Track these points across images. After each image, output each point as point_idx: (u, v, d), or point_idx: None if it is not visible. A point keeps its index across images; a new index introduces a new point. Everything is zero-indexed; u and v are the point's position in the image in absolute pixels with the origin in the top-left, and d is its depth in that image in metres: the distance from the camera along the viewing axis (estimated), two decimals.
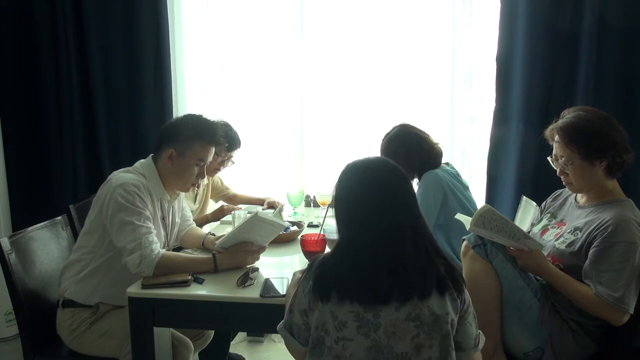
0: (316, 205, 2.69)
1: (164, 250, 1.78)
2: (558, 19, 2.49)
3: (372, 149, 2.44)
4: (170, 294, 1.61)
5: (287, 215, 2.60)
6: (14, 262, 1.82)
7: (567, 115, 1.67)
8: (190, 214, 2.18)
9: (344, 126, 3.17)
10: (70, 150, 2.90)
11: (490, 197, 2.71)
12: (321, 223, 1.88)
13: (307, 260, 1.76)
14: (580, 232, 1.62)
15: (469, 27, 2.86)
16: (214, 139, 1.89)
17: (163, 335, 1.73)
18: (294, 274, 1.52)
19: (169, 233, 1.98)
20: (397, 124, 2.32)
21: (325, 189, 2.51)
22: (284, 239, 2.10)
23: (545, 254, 1.68)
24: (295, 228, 2.24)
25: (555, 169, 1.70)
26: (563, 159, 1.64)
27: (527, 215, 2.30)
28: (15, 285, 1.80)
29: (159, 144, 1.88)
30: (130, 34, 2.83)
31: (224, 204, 2.69)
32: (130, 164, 1.92)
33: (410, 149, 2.21)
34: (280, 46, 3.08)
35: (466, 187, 2.29)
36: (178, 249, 2.06)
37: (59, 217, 2.14)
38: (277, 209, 2.46)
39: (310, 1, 2.97)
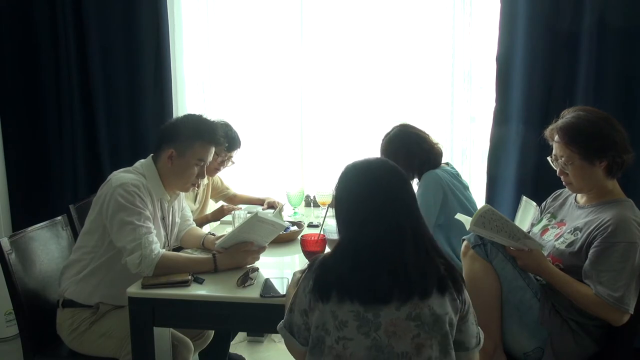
0: (316, 205, 2.69)
1: (164, 250, 1.78)
2: (558, 19, 2.49)
3: (372, 149, 2.44)
4: (170, 294, 1.61)
5: (287, 215, 2.60)
6: (14, 262, 1.82)
7: (567, 115, 1.67)
8: (190, 214, 2.18)
9: (343, 126, 3.17)
10: (70, 150, 2.91)
11: (490, 197, 2.71)
12: (321, 223, 1.89)
13: (307, 260, 1.76)
14: (580, 232, 1.62)
15: (469, 27, 2.86)
16: (214, 139, 1.89)
17: (163, 335, 1.73)
18: (294, 274, 1.52)
19: (169, 233, 1.98)
20: (397, 124, 2.32)
21: (325, 189, 2.51)
22: (284, 239, 2.10)
23: (545, 254, 1.68)
24: (295, 228, 2.24)
25: (555, 169, 1.70)
26: (563, 159, 1.64)
27: (527, 215, 2.30)
28: (15, 285, 1.80)
29: (159, 144, 1.88)
30: (130, 34, 2.83)
31: (224, 204, 2.69)
32: (130, 164, 1.92)
33: (410, 149, 2.21)
34: (280, 46, 3.08)
35: (466, 187, 2.29)
36: (178, 249, 2.06)
37: (59, 217, 2.14)
38: (277, 209, 2.46)
39: (310, 1, 2.97)
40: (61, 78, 2.86)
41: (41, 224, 2.03)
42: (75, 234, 2.17)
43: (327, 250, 1.77)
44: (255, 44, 3.11)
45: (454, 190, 2.16)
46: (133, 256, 1.68)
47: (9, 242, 1.83)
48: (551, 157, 1.71)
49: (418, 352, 1.14)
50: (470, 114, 2.95)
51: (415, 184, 2.23)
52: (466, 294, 1.21)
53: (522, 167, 2.60)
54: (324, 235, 1.81)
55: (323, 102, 3.12)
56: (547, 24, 2.50)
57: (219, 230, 2.42)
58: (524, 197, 2.42)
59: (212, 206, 2.72)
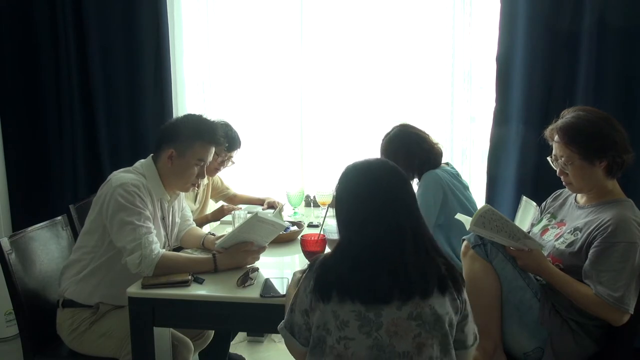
0: (316, 205, 2.69)
1: (164, 250, 1.78)
2: (558, 19, 2.49)
3: (372, 149, 2.44)
4: (170, 294, 1.61)
5: (287, 215, 2.60)
6: (14, 262, 1.82)
7: (567, 115, 1.67)
8: (190, 214, 2.18)
9: (343, 126, 3.17)
10: (70, 150, 2.91)
11: (490, 197, 2.71)
12: (321, 223, 1.89)
13: (307, 260, 1.76)
14: (580, 232, 1.62)
15: (469, 27, 2.86)
16: (214, 139, 1.89)
17: (163, 335, 1.73)
18: (294, 274, 1.52)
19: (169, 233, 1.98)
20: (397, 124, 2.32)
21: (325, 189, 2.51)
22: (284, 239, 2.10)
23: (545, 254, 1.68)
24: (295, 228, 2.24)
25: (555, 169, 1.70)
26: (563, 159, 1.64)
27: (527, 215, 2.30)
28: (15, 285, 1.80)
29: (159, 144, 1.88)
30: (130, 34, 2.83)
31: (224, 204, 2.69)
32: (130, 164, 1.92)
33: (410, 149, 2.21)
34: (280, 46, 3.08)
35: (466, 187, 2.29)
36: (178, 249, 2.06)
37: (59, 217, 2.14)
38: (277, 209, 2.46)
39: (310, 1, 2.97)
40: (61, 78, 2.86)
41: (41, 224, 2.03)
42: (75, 234, 2.17)
43: (327, 250, 1.77)
44: (255, 44, 3.10)
45: (454, 190, 2.16)
46: (133, 256, 1.68)
47: (9, 242, 1.83)
48: (551, 157, 1.71)
49: (419, 351, 1.14)
50: (470, 114, 2.95)
51: (415, 184, 2.23)
52: (464, 293, 1.22)
53: (522, 167, 2.60)
54: (324, 235, 1.81)
55: (323, 102, 3.12)
56: (547, 24, 2.50)
57: (219, 230, 2.42)
58: (524, 197, 2.42)
59: (212, 206, 2.72)
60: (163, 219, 1.93)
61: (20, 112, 2.93)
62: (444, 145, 2.43)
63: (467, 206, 2.16)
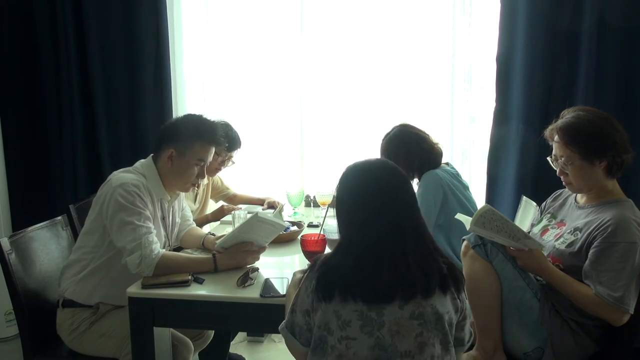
0: (316, 205, 2.69)
1: (164, 250, 1.78)
2: (558, 19, 2.49)
3: (372, 149, 2.44)
4: (170, 294, 1.61)
5: (287, 215, 2.60)
6: (14, 262, 1.82)
7: (567, 115, 1.67)
8: (190, 214, 2.18)
9: (343, 126, 3.17)
10: (70, 150, 2.91)
11: (490, 197, 2.71)
12: (321, 223, 1.89)
13: (307, 260, 1.76)
14: (580, 232, 1.62)
15: (469, 27, 2.86)
16: (214, 139, 1.89)
17: (163, 335, 1.73)
18: (294, 274, 1.52)
19: (169, 233, 1.98)
20: (397, 124, 2.32)
21: (325, 189, 2.51)
22: (284, 239, 2.10)
23: (545, 254, 1.68)
24: (295, 228, 2.24)
25: (555, 169, 1.70)
26: (563, 159, 1.64)
27: (527, 215, 2.30)
28: (15, 285, 1.80)
29: (159, 144, 1.88)
30: (130, 34, 2.83)
31: (224, 204, 2.69)
32: (130, 164, 1.92)
33: (410, 149, 2.21)
34: (280, 46, 3.08)
35: (466, 187, 2.29)
36: (178, 249, 2.06)
37: (59, 217, 2.14)
38: (277, 209, 2.46)
39: (310, 1, 2.97)
40: (61, 78, 2.86)
41: (41, 224, 2.03)
42: (75, 234, 2.17)
43: (327, 250, 1.77)
44: (255, 44, 3.10)
45: (454, 190, 2.17)
46: (133, 256, 1.68)
47: (9, 242, 1.83)
48: (551, 157, 1.71)
49: (421, 350, 1.15)
50: (470, 114, 2.95)
51: (415, 184, 2.23)
52: (463, 293, 1.23)
53: (522, 167, 2.60)
54: (324, 235, 1.80)
55: (323, 102, 3.12)
56: (547, 24, 2.50)
57: (219, 230, 2.42)
58: (524, 197, 2.42)
59: (212, 206, 2.72)
60: (163, 219, 1.93)
61: (20, 112, 2.93)
62: (444, 145, 2.43)
63: (467, 206, 2.16)
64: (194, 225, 2.17)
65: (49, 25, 2.84)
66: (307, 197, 2.83)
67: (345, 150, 3.14)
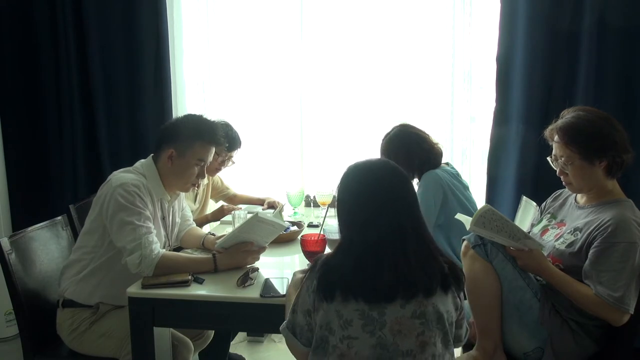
0: (316, 205, 2.69)
1: (164, 250, 1.78)
2: (558, 19, 2.49)
3: (372, 149, 2.44)
4: (170, 294, 1.61)
5: (287, 215, 2.60)
6: (14, 262, 1.82)
7: (567, 115, 1.67)
8: (190, 214, 2.18)
9: (343, 126, 3.17)
10: (70, 150, 2.91)
11: (490, 197, 2.71)
12: (321, 223, 1.89)
13: (307, 260, 1.76)
14: (580, 232, 1.62)
15: (469, 27, 2.86)
16: (214, 139, 1.89)
17: (163, 335, 1.73)
18: (294, 274, 1.52)
19: (169, 233, 1.98)
20: (397, 124, 2.32)
21: (325, 189, 2.51)
22: (284, 239, 2.10)
23: (545, 254, 1.68)
24: (295, 228, 2.24)
25: (555, 169, 1.70)
26: (563, 159, 1.64)
27: (527, 215, 2.30)
28: (15, 285, 1.80)
29: (159, 144, 1.88)
30: (130, 34, 2.83)
31: (224, 204, 2.69)
32: (130, 164, 1.92)
33: (410, 149, 2.21)
34: (280, 46, 3.08)
35: (466, 187, 2.30)
36: (178, 249, 2.06)
37: (59, 217, 2.14)
38: (278, 209, 2.46)
39: (310, 1, 2.97)
40: (61, 78, 2.86)
41: (41, 224, 2.03)
42: (75, 234, 2.17)
43: (327, 250, 1.77)
44: (255, 44, 3.11)
45: (454, 190, 2.17)
46: (133, 256, 1.68)
47: (9, 242, 1.83)
48: (551, 157, 1.71)
49: (422, 349, 1.15)
50: (470, 114, 2.95)
51: (415, 184, 2.23)
52: (462, 292, 1.24)
53: (522, 167, 2.60)
54: (324, 235, 1.80)
55: (323, 102, 3.12)
56: (547, 24, 2.50)
57: (219, 230, 2.42)
58: (524, 197, 2.42)
59: (212, 206, 2.72)
60: (163, 219, 1.93)
61: (20, 112, 2.93)
62: (444, 145, 2.43)
63: (467, 206, 2.16)
64: (194, 225, 2.17)
65: (49, 25, 2.84)
66: (307, 197, 2.83)
67: (345, 151, 3.14)
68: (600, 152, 1.58)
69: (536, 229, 1.85)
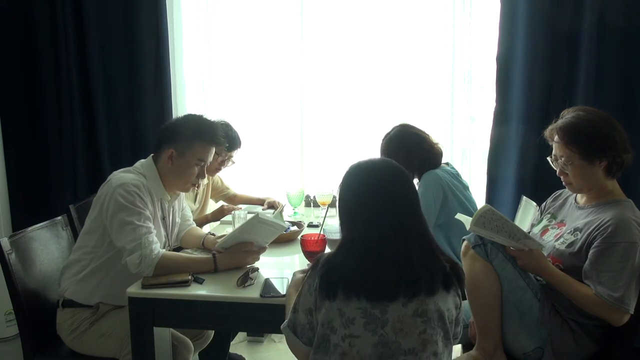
0: (316, 205, 2.69)
1: (164, 250, 1.78)
2: (558, 19, 2.49)
3: (372, 149, 2.44)
4: (170, 294, 1.61)
5: (287, 215, 2.60)
6: (14, 262, 1.82)
7: (567, 115, 1.67)
8: (190, 214, 2.18)
9: (344, 126, 3.17)
10: (70, 150, 2.91)
11: (490, 197, 2.71)
12: (321, 223, 1.89)
13: (307, 260, 1.76)
14: (580, 232, 1.62)
15: (469, 27, 2.86)
16: (214, 139, 1.89)
17: (163, 335, 1.73)
18: (294, 274, 1.52)
19: (169, 233, 1.98)
20: (397, 124, 2.32)
21: (325, 189, 2.51)
22: (284, 239, 2.10)
23: (545, 254, 1.68)
24: (295, 228, 2.24)
25: (555, 169, 1.70)
26: (563, 159, 1.64)
27: (527, 215, 2.30)
28: (15, 285, 1.79)
29: (159, 144, 1.88)
30: (130, 34, 2.83)
31: (224, 204, 2.69)
32: (130, 164, 1.92)
33: (410, 149, 2.21)
34: (280, 46, 3.08)
35: (466, 187, 2.30)
36: (178, 249, 2.06)
37: (59, 217, 2.14)
38: (278, 209, 2.46)
39: (310, 1, 2.97)
40: (61, 78, 2.86)
41: (41, 224, 2.03)
42: (75, 234, 2.17)
43: (327, 250, 1.77)
44: (255, 44, 3.11)
45: (454, 190, 2.17)
46: (133, 256, 1.68)
47: (9, 242, 1.83)
48: (551, 157, 1.71)
49: (424, 347, 1.16)
50: (470, 114, 2.95)
51: (415, 184, 2.23)
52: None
53: (522, 167, 2.60)
54: (324, 235, 1.80)
55: (323, 102, 3.12)
56: (547, 24, 2.50)
57: (219, 230, 2.42)
58: (524, 197, 2.42)
59: (212, 206, 2.72)
60: (163, 219, 1.93)
61: (20, 112, 2.93)
62: (444, 145, 2.43)
63: (467, 206, 2.16)
64: (194, 225, 2.17)
65: (49, 25, 2.84)
66: (307, 197, 2.83)
67: (345, 151, 3.14)
68: (600, 152, 1.58)
69: (536, 229, 1.85)
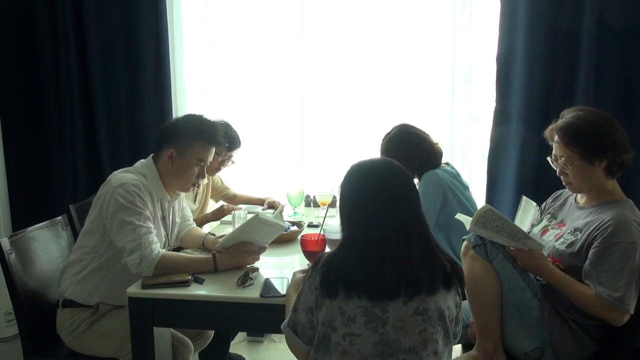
0: (316, 205, 2.69)
1: (164, 250, 1.78)
2: (558, 19, 2.49)
3: (372, 149, 2.44)
4: (170, 294, 1.61)
5: (287, 215, 2.60)
6: (14, 262, 1.82)
7: (567, 115, 1.67)
8: (190, 214, 2.18)
9: (344, 126, 3.17)
10: (70, 150, 2.91)
11: (490, 197, 2.71)
12: (321, 223, 1.89)
13: (307, 260, 1.76)
14: (580, 232, 1.62)
15: (469, 27, 2.86)
16: (214, 139, 1.89)
17: (163, 335, 1.73)
18: (294, 274, 1.52)
19: (169, 233, 1.98)
20: (397, 124, 2.32)
21: (325, 189, 2.51)
22: (284, 239, 2.10)
23: (546, 254, 1.68)
24: (295, 228, 2.24)
25: (555, 169, 1.70)
26: (563, 159, 1.64)
27: (527, 215, 2.30)
28: (15, 285, 1.79)
29: (159, 144, 1.88)
30: (130, 34, 2.83)
31: (224, 203, 2.69)
32: (131, 164, 1.92)
33: (410, 149, 2.21)
34: (280, 46, 3.08)
35: (466, 187, 2.30)
36: (178, 249, 2.06)
37: (59, 217, 2.14)
38: (278, 209, 2.46)
39: (310, 1, 2.97)
40: (61, 78, 2.86)
41: (41, 224, 2.03)
42: (75, 234, 2.17)
43: (327, 250, 1.77)
44: (255, 44, 3.11)
45: (454, 190, 2.17)
46: (133, 256, 1.68)
47: (9, 242, 1.83)
48: (551, 157, 1.71)
49: (424, 346, 1.16)
50: (470, 114, 2.95)
51: (415, 184, 2.23)
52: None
53: (522, 167, 2.60)
54: (324, 235, 1.80)
55: (323, 102, 3.12)
56: (547, 24, 2.50)
57: (219, 230, 2.42)
58: (524, 197, 2.42)
59: (212, 206, 2.72)
60: (163, 218, 1.93)
61: (20, 112, 2.93)
62: (444, 145, 2.43)
63: (467, 206, 2.16)
64: (194, 225, 2.17)
65: (49, 25, 2.84)
66: (307, 197, 2.83)
67: (345, 151, 3.14)
68: (600, 152, 1.58)
69: (536, 229, 1.85)
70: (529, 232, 1.85)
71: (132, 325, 1.63)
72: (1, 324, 2.81)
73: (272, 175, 3.20)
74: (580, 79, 2.50)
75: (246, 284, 1.65)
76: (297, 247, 1.89)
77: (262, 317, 1.59)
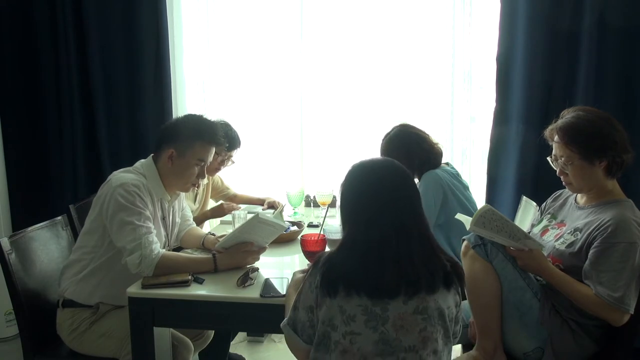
0: (316, 205, 2.69)
1: (164, 250, 1.78)
2: (558, 19, 2.49)
3: (372, 149, 2.44)
4: (170, 294, 1.61)
5: (287, 215, 2.60)
6: (14, 262, 1.82)
7: (567, 115, 1.67)
8: (190, 214, 2.18)
9: (344, 126, 3.17)
10: (70, 150, 2.91)
11: (490, 197, 2.71)
12: (321, 223, 1.89)
13: (307, 260, 1.76)
14: (580, 232, 1.62)
15: (469, 27, 2.86)
16: (214, 139, 1.89)
17: (163, 335, 1.73)
18: (294, 274, 1.52)
19: (169, 233, 1.98)
20: (397, 124, 2.32)
21: (325, 189, 2.51)
22: (284, 239, 2.10)
23: (546, 254, 1.68)
24: (295, 228, 2.24)
25: (555, 169, 1.70)
26: (563, 159, 1.64)
27: (527, 215, 2.30)
28: (15, 285, 1.79)
29: (159, 144, 1.88)
30: (130, 34, 2.83)
31: (224, 202, 2.69)
32: (131, 164, 1.92)
33: (410, 149, 2.21)
34: (280, 46, 3.08)
35: (466, 187, 2.30)
36: (178, 249, 2.06)
37: (59, 217, 2.14)
38: (278, 209, 2.46)
39: (310, 1, 2.97)
40: (61, 78, 2.86)
41: (41, 224, 2.03)
42: (75, 234, 2.17)
43: (327, 250, 1.77)
44: (255, 44, 3.11)
45: (454, 190, 2.17)
46: (133, 256, 1.68)
47: (9, 242, 1.83)
48: (551, 157, 1.71)
49: (424, 344, 1.16)
50: (470, 114, 2.95)
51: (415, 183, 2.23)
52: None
53: (522, 167, 2.60)
54: (324, 235, 1.80)
55: (323, 102, 3.12)
56: (547, 24, 2.50)
57: (219, 230, 2.42)
58: (524, 197, 2.42)
59: (212, 206, 2.71)
60: (163, 218, 1.93)
61: (20, 112, 2.93)
62: (444, 145, 2.43)
63: (467, 206, 2.16)
64: (194, 225, 2.17)
65: (49, 25, 2.84)
66: (307, 197, 2.83)
67: (345, 151, 3.14)
68: (600, 152, 1.58)
69: (536, 229, 1.85)
70: (529, 232, 1.85)
71: (132, 325, 1.63)
72: (1, 324, 2.81)
73: (272, 175, 3.20)
74: (580, 79, 2.50)
75: (246, 284, 1.65)
76: (297, 247, 1.89)
77: (262, 317, 1.59)
